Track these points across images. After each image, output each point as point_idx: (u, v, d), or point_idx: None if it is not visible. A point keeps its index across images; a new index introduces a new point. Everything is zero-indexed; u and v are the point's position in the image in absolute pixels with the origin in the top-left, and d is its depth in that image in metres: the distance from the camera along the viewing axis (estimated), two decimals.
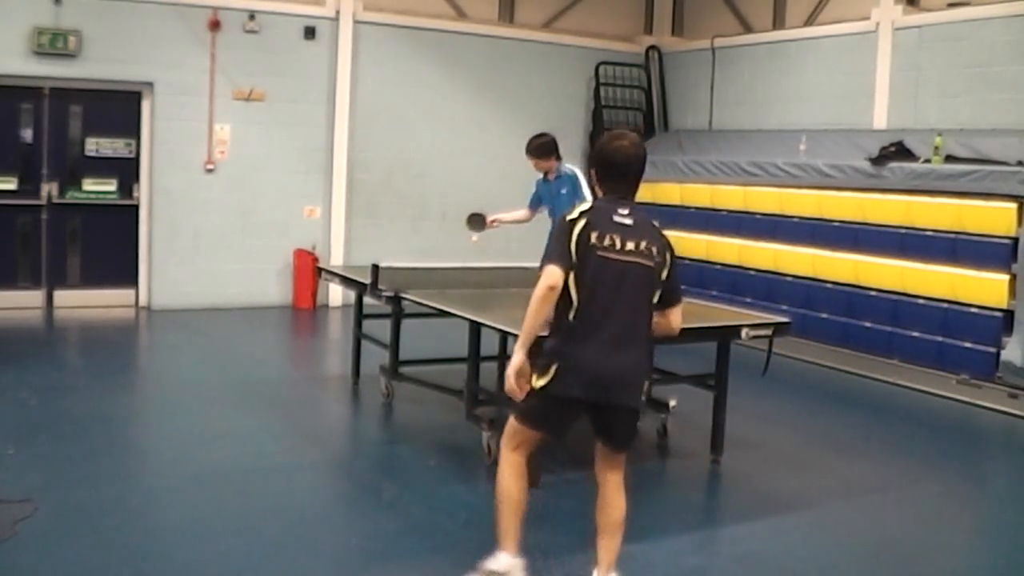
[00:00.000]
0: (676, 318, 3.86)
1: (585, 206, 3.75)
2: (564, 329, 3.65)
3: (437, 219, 11.37)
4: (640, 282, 3.65)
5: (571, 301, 3.62)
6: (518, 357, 3.63)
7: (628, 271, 3.63)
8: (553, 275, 3.57)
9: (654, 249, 3.68)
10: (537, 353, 3.68)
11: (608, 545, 3.76)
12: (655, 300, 3.72)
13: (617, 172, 3.77)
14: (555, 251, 3.63)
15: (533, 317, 3.59)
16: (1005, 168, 7.78)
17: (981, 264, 7.85)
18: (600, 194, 3.85)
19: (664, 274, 3.72)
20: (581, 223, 3.64)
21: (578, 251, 3.60)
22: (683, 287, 3.91)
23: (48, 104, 9.65)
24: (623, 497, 3.81)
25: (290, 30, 10.44)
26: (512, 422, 3.82)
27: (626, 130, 3.94)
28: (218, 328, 9.52)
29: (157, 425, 6.33)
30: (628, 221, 3.67)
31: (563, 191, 7.68)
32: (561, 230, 3.67)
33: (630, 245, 3.63)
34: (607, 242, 3.62)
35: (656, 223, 3.82)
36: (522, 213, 7.67)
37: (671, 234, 11.69)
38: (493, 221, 7.59)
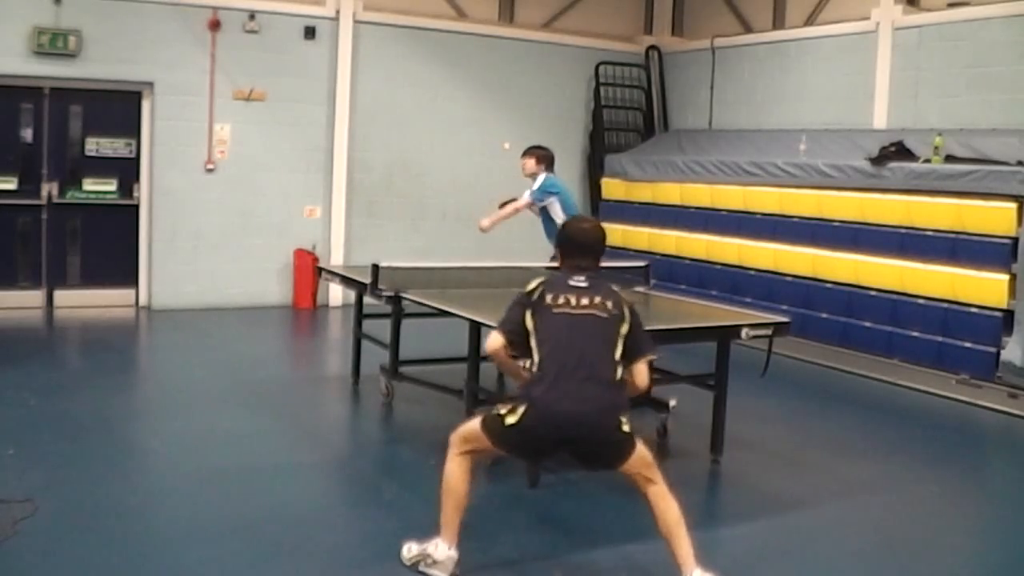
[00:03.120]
0: (641, 374, 4.07)
1: (543, 277, 4.19)
2: (529, 379, 3.99)
3: (437, 219, 11.37)
4: (596, 330, 3.97)
5: (532, 355, 3.99)
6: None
7: (582, 322, 3.97)
8: (493, 342, 4.13)
9: (609, 303, 4.01)
10: (510, 396, 4.11)
11: (679, 545, 3.94)
12: (618, 350, 3.98)
13: (578, 250, 4.22)
14: (506, 320, 4.14)
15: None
16: (1005, 168, 7.78)
17: (981, 264, 7.85)
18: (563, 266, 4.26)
19: (624, 328, 4.00)
20: (538, 291, 4.07)
21: (534, 314, 4.02)
22: (653, 345, 4.17)
23: (48, 104, 9.65)
24: (670, 500, 3.99)
25: (290, 30, 10.44)
26: (475, 428, 4.03)
27: (587, 216, 4.37)
28: (218, 328, 9.52)
29: (157, 425, 6.33)
30: (583, 284, 4.06)
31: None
32: (517, 301, 4.12)
33: (584, 301, 4.00)
34: (561, 300, 4.01)
35: (616, 288, 4.14)
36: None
37: (671, 234, 11.73)
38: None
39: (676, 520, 3.95)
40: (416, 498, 5.01)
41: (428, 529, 4.56)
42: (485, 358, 5.89)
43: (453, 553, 4.02)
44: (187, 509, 4.73)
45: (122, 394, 7.05)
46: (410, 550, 4.12)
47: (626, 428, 3.91)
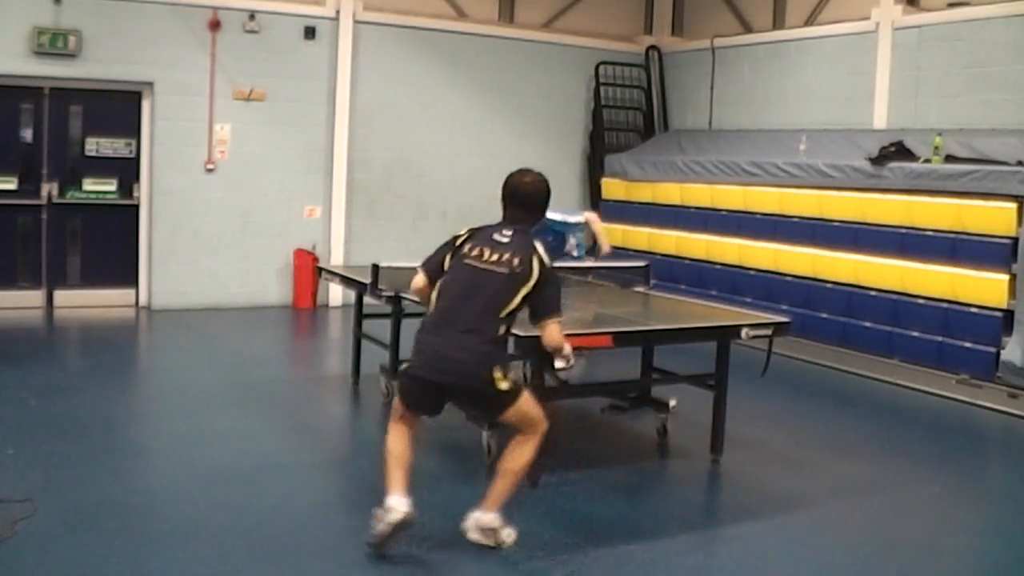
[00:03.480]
0: (546, 332, 4.23)
1: (479, 226, 4.36)
2: (423, 322, 4.27)
3: (437, 219, 11.37)
4: (490, 285, 4.15)
5: (433, 297, 4.28)
6: None
7: (480, 275, 4.18)
8: (416, 280, 4.43)
9: (516, 261, 4.17)
10: None
11: (495, 486, 4.26)
12: (509, 307, 4.16)
13: (514, 201, 4.38)
14: (428, 259, 4.41)
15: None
16: (1005, 168, 7.78)
17: (981, 264, 7.85)
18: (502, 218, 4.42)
19: (526, 289, 4.15)
20: (463, 237, 4.31)
21: (452, 258, 4.28)
22: (558, 308, 4.27)
23: (48, 104, 9.65)
24: (521, 450, 4.27)
25: (290, 30, 10.44)
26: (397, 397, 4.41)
27: (531, 169, 4.54)
28: (218, 328, 9.52)
29: (157, 425, 6.33)
30: (504, 240, 4.23)
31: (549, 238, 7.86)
32: (445, 242, 4.38)
33: (493, 256, 4.19)
34: (475, 252, 4.23)
35: (539, 247, 4.25)
36: None
37: (671, 234, 11.70)
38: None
39: (511, 469, 4.25)
40: (416, 498, 4.99)
41: (428, 528, 4.56)
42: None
43: (403, 499, 4.19)
44: (187, 509, 4.73)
45: (122, 394, 7.06)
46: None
47: (502, 384, 4.12)
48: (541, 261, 4.21)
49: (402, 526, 4.13)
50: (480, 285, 4.16)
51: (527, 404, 4.26)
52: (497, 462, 4.32)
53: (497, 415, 4.26)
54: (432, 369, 4.16)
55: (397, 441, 4.31)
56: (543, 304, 4.21)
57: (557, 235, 7.94)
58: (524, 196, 4.38)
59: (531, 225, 4.37)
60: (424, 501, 4.96)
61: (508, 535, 4.32)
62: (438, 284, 4.27)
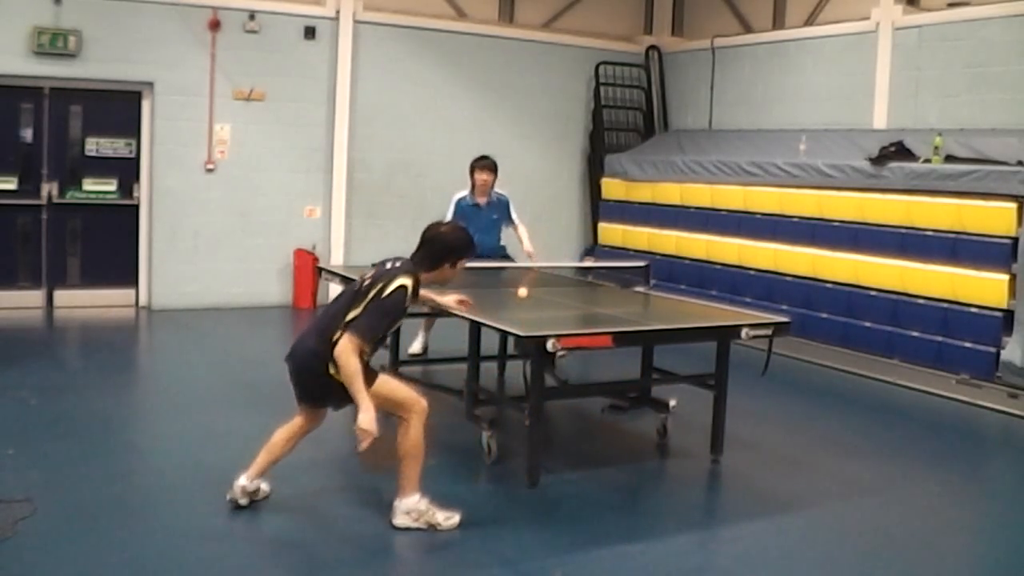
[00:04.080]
0: (344, 344, 4.35)
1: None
2: None
3: (437, 219, 11.34)
4: (342, 298, 4.61)
5: None
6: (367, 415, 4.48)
7: (343, 291, 4.75)
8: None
9: (367, 283, 4.50)
10: None
11: (400, 471, 4.55)
12: (349, 316, 4.44)
13: (422, 243, 4.75)
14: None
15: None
16: (1005, 168, 7.78)
17: (981, 264, 7.84)
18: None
19: (358, 308, 4.43)
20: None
21: None
22: (374, 327, 4.43)
23: (48, 104, 9.65)
24: (403, 435, 4.52)
25: (290, 30, 10.44)
26: None
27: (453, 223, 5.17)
28: (218, 328, 9.52)
29: (157, 425, 6.33)
30: (387, 267, 4.58)
31: (494, 216, 7.82)
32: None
33: (362, 277, 4.60)
34: (362, 274, 4.69)
35: (399, 277, 4.49)
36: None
37: (671, 234, 11.75)
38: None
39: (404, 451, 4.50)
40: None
41: (428, 528, 4.57)
42: (485, 358, 6.01)
43: (253, 483, 4.66)
44: (187, 509, 4.73)
45: (122, 394, 7.05)
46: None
47: (334, 374, 4.40)
48: (386, 287, 4.45)
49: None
50: (338, 297, 4.72)
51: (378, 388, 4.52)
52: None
53: (327, 402, 4.69)
54: (287, 360, 4.81)
55: (280, 430, 4.84)
56: (356, 318, 4.45)
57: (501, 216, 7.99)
58: (423, 237, 4.78)
59: (415, 259, 4.69)
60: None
61: (446, 518, 4.48)
62: None
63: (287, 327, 10.16)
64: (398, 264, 4.57)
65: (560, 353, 4.76)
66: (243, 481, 4.62)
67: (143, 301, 10.17)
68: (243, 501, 4.63)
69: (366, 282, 4.49)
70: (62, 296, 9.86)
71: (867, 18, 9.76)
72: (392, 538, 4.49)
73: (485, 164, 7.86)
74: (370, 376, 4.39)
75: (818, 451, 6.27)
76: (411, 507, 4.45)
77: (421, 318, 7.31)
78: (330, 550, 4.33)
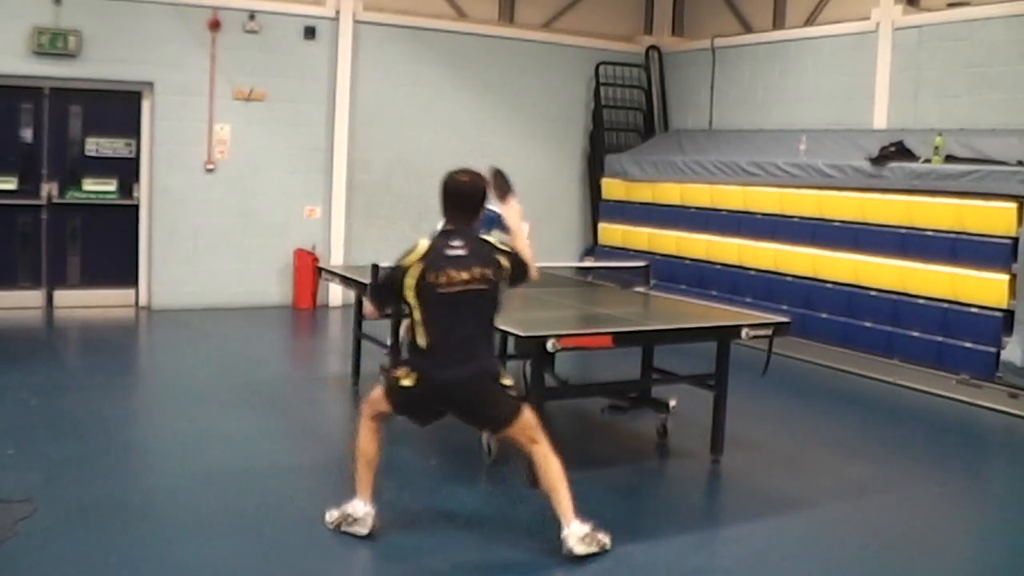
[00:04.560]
0: (532, 275, 4.42)
1: (422, 249, 4.26)
2: (417, 350, 4.29)
3: (437, 219, 11.28)
4: (478, 305, 4.24)
5: (419, 330, 4.25)
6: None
7: (464, 299, 4.20)
8: (370, 312, 4.88)
9: (489, 271, 4.23)
10: (403, 362, 4.44)
11: (557, 501, 4.28)
12: (495, 310, 4.33)
13: (456, 203, 4.38)
14: (376, 293, 4.73)
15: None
16: (1005, 168, 7.78)
17: (981, 264, 7.84)
18: (445, 222, 4.43)
19: (505, 283, 4.32)
20: (417, 270, 4.21)
21: (418, 293, 4.21)
22: (533, 263, 4.42)
23: (48, 104, 9.66)
24: (547, 464, 4.31)
25: (290, 30, 10.44)
26: (378, 395, 4.43)
27: (469, 168, 4.54)
28: (218, 328, 9.52)
29: (157, 425, 6.33)
30: (462, 253, 4.21)
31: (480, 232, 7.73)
32: (389, 276, 4.36)
33: (464, 275, 4.19)
34: (443, 280, 4.17)
35: (492, 242, 4.35)
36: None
37: (671, 234, 11.69)
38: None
39: (551, 481, 4.27)
40: (415, 497, 5.01)
41: (428, 529, 4.57)
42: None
43: (370, 508, 4.36)
44: (187, 509, 4.73)
45: (122, 394, 7.05)
46: (331, 515, 4.44)
47: (505, 382, 4.27)
48: (504, 252, 4.34)
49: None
50: (467, 309, 4.22)
51: (530, 413, 4.36)
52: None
53: (501, 419, 4.33)
54: (440, 392, 4.29)
55: (370, 442, 4.47)
56: (520, 272, 4.38)
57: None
58: (465, 198, 4.40)
59: (472, 228, 4.39)
60: (425, 502, 4.97)
61: (604, 536, 4.32)
62: (420, 320, 4.24)
63: (287, 327, 10.17)
64: (469, 247, 4.26)
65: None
66: (366, 507, 4.39)
67: (143, 301, 10.17)
68: (364, 530, 4.37)
69: (484, 284, 4.24)
70: (62, 296, 9.86)
71: (867, 18, 9.76)
72: (391, 538, 4.48)
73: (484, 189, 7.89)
74: (516, 403, 4.31)
75: (818, 451, 6.27)
76: (583, 532, 4.24)
77: None
78: (330, 550, 4.33)
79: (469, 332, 4.24)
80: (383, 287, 4.50)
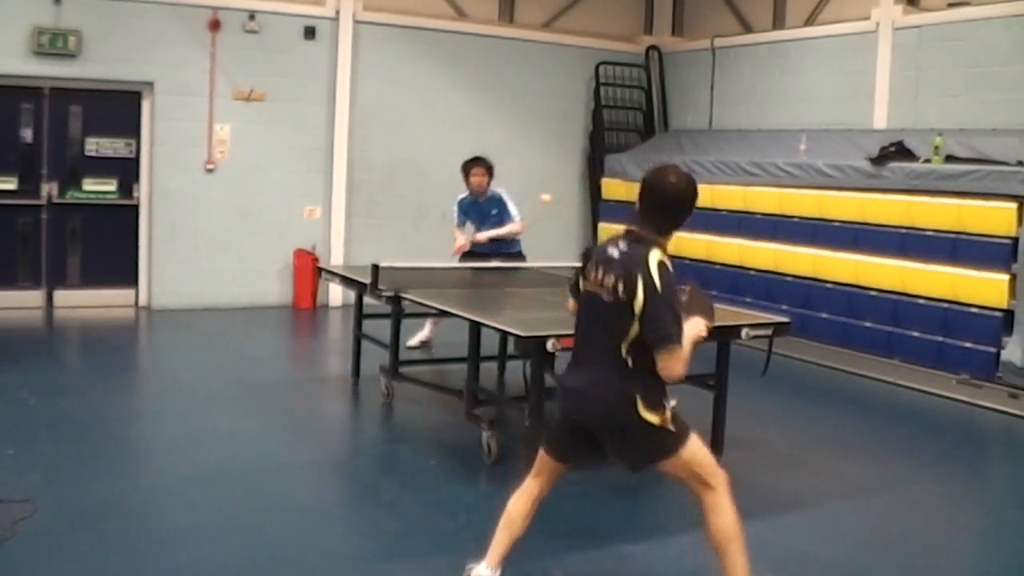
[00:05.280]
0: (662, 365, 3.52)
1: (602, 242, 3.73)
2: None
3: (437, 219, 11.35)
4: (601, 311, 3.62)
5: None
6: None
7: (593, 300, 3.67)
8: (569, 304, 4.02)
9: (620, 287, 3.53)
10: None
11: (724, 565, 3.73)
12: (626, 337, 3.56)
13: (653, 205, 3.64)
14: (572, 283, 4.01)
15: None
16: (1005, 168, 7.78)
17: (981, 264, 7.84)
18: (631, 221, 3.73)
19: (632, 320, 3.52)
20: (585, 261, 3.81)
21: (576, 285, 3.88)
22: (678, 319, 3.53)
23: (48, 104, 9.65)
24: (715, 517, 3.74)
25: (290, 30, 10.44)
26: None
27: (672, 166, 3.76)
28: (218, 328, 9.52)
29: (157, 425, 6.33)
30: (615, 255, 3.60)
31: (493, 212, 7.99)
32: (577, 270, 3.93)
33: (601, 277, 3.62)
34: (591, 276, 3.70)
35: (652, 260, 3.51)
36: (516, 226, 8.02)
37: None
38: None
39: (717, 540, 3.72)
40: (416, 498, 5.01)
41: (428, 529, 4.57)
42: (485, 358, 5.90)
43: (490, 573, 3.85)
44: (187, 509, 4.73)
45: (122, 394, 7.05)
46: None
47: (649, 417, 3.54)
48: (650, 283, 3.49)
49: None
50: (593, 311, 3.66)
51: (693, 448, 3.67)
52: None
53: (643, 458, 3.70)
54: (568, 409, 3.75)
55: (517, 501, 3.84)
56: (651, 331, 3.51)
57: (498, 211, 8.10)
58: (670, 200, 3.64)
59: (655, 232, 3.62)
60: (425, 501, 4.97)
61: None
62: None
63: (287, 327, 10.17)
64: (624, 254, 3.58)
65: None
66: (485, 571, 3.82)
67: (143, 301, 10.17)
68: None
69: (608, 297, 3.57)
70: (62, 296, 9.86)
71: (867, 18, 9.75)
72: (393, 538, 4.48)
73: (479, 164, 7.96)
74: (681, 430, 3.65)
75: (818, 451, 6.27)
76: None
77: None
78: (330, 551, 4.33)
79: (597, 342, 3.65)
80: (571, 285, 4.00)
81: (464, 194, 8.08)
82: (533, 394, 5.10)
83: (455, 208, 8.18)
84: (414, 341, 8.12)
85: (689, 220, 3.73)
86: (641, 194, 3.66)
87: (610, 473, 5.59)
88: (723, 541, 3.69)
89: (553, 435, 3.88)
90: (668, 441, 3.61)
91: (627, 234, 3.65)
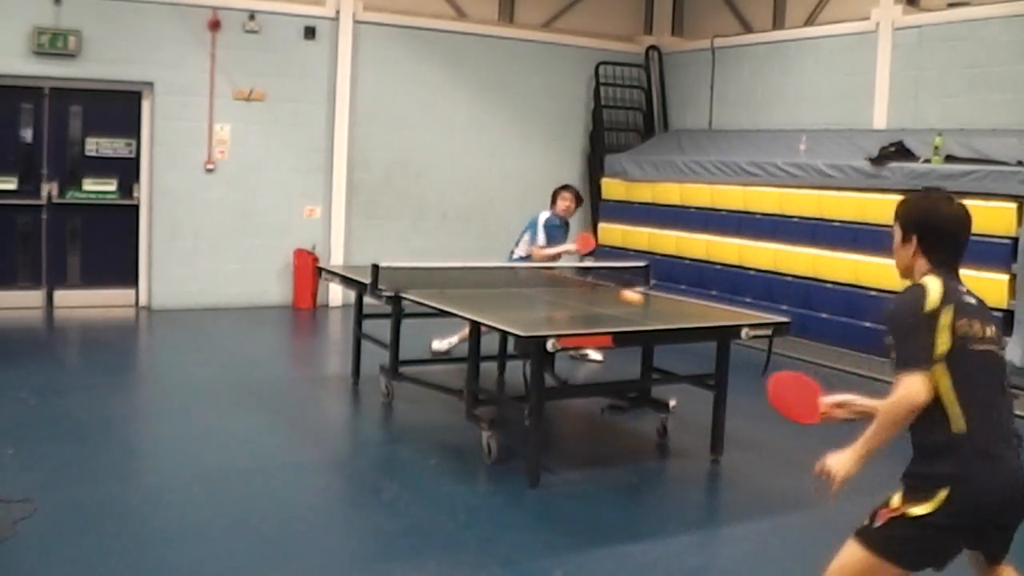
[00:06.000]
0: None
1: (938, 286, 2.95)
2: (947, 445, 3.00)
3: (437, 219, 11.38)
4: (996, 368, 3.00)
5: (945, 408, 2.95)
6: (852, 465, 3.25)
7: (991, 360, 2.97)
8: (917, 392, 2.94)
9: (998, 331, 3.04)
10: (914, 475, 3.19)
11: None
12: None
13: (949, 239, 3.07)
14: (913, 353, 2.92)
15: (886, 433, 3.17)
16: (1005, 168, 7.78)
17: (981, 264, 7.82)
18: (926, 265, 3.08)
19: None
20: (949, 309, 2.91)
21: (952, 347, 2.90)
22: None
23: (48, 104, 9.65)
24: None
25: (290, 30, 10.44)
26: (858, 556, 3.16)
27: (942, 190, 3.29)
28: (218, 328, 9.52)
29: (157, 425, 6.33)
30: (973, 301, 3.00)
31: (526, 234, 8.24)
32: (918, 323, 2.92)
33: (986, 331, 2.96)
34: (975, 331, 2.92)
35: (956, 283, 3.05)
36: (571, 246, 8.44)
37: (671, 234, 11.68)
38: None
39: None
40: (416, 498, 5.01)
41: (428, 529, 4.56)
42: (485, 358, 5.89)
43: None
44: (187, 509, 4.73)
45: (122, 394, 7.05)
46: None
47: None
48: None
49: None
50: (996, 376, 2.99)
51: None
52: None
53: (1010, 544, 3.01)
54: (1004, 508, 2.91)
55: None
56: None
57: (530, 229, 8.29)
58: (960, 233, 3.08)
59: (958, 267, 3.10)
60: (425, 502, 4.97)
61: None
62: (950, 389, 2.91)
63: (287, 327, 10.17)
64: (965, 288, 3.03)
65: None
66: None
67: (143, 301, 10.16)
68: None
69: (999, 348, 3.02)
70: (62, 296, 9.86)
71: (867, 18, 9.76)
72: (393, 538, 4.48)
73: (568, 190, 8.37)
74: None
75: (818, 451, 6.23)
76: None
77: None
78: (330, 551, 4.33)
79: (1005, 406, 2.97)
80: (923, 342, 2.89)
81: (548, 214, 8.27)
82: (533, 394, 5.10)
83: (540, 228, 8.22)
84: (443, 345, 8.07)
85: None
86: (959, 229, 3.07)
87: (610, 473, 5.61)
88: None
89: (937, 546, 3.04)
90: None
91: (951, 273, 3.04)
